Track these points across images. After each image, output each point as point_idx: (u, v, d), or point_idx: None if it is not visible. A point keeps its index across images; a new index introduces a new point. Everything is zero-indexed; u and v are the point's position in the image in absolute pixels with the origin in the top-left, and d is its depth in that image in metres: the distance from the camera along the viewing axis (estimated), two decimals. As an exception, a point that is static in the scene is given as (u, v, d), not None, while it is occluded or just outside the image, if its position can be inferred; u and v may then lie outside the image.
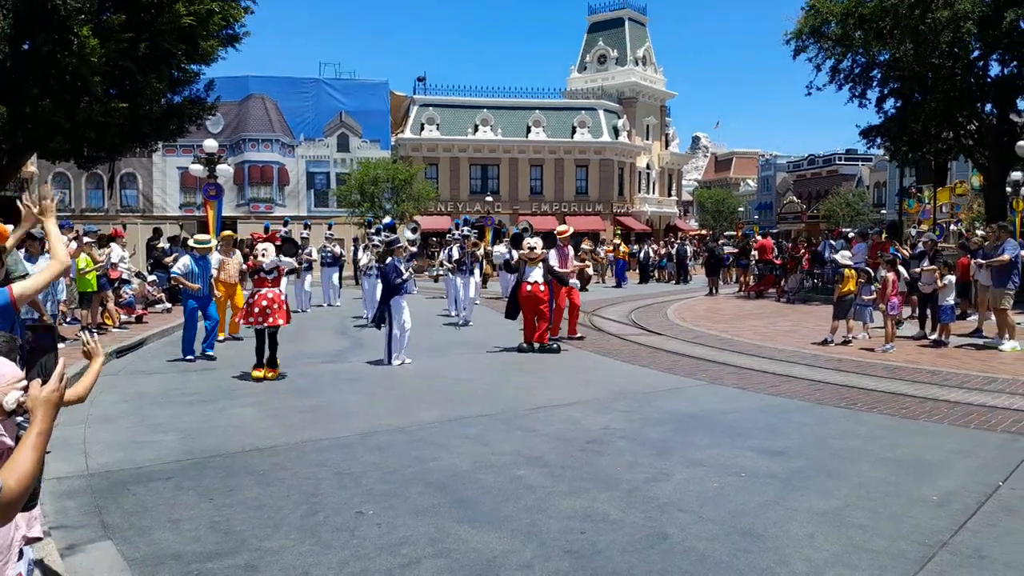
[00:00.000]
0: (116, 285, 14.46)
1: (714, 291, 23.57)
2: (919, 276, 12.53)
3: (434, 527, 4.51)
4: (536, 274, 11.81)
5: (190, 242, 11.48)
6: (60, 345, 9.66)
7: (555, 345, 11.78)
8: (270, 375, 9.40)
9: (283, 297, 9.79)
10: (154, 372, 10.14)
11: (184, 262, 11.11)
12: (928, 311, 12.57)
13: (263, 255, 9.70)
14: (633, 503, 4.92)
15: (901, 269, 12.60)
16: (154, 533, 4.43)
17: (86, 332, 2.74)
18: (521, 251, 12.15)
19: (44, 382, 1.96)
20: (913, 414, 7.40)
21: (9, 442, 2.00)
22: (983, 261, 11.78)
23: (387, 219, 16.17)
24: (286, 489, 5.21)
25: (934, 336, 12.12)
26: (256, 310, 9.48)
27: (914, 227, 32.17)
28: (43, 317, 7.61)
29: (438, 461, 5.85)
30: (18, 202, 3.60)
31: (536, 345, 11.65)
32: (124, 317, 14.36)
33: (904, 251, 14.95)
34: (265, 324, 9.42)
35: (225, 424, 7.15)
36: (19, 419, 1.97)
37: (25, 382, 2.01)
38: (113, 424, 7.03)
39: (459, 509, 4.81)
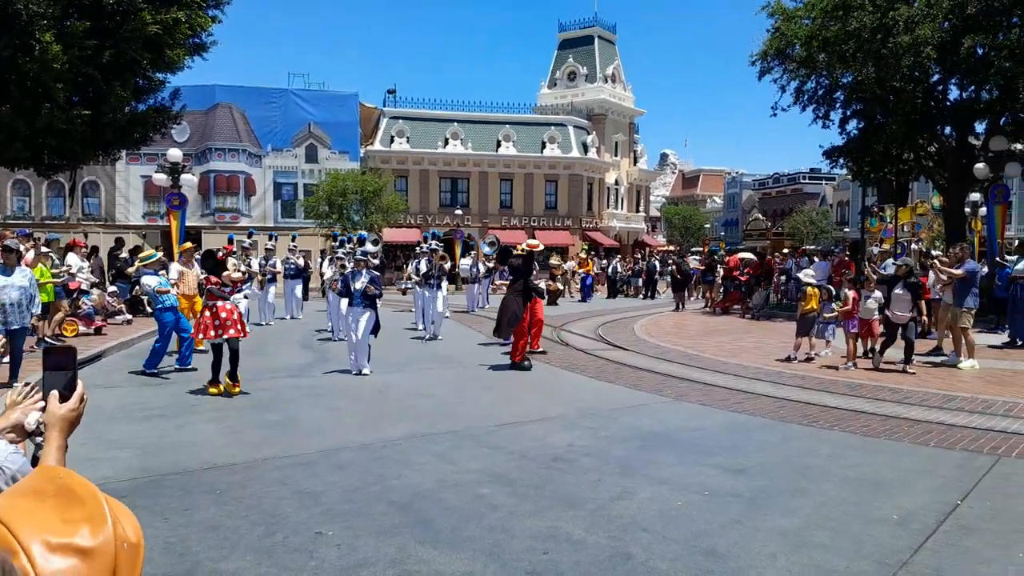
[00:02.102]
0: (75, 296, 14.16)
1: (681, 307, 23.75)
2: (889, 302, 11.39)
3: (395, 548, 4.43)
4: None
5: (136, 263, 11.23)
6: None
7: (527, 363, 11.76)
8: (235, 390, 9.25)
9: (240, 310, 9.70)
10: (112, 386, 9.90)
11: (153, 280, 10.86)
12: (899, 338, 11.23)
13: (235, 271, 9.70)
14: (597, 523, 4.89)
15: (878, 293, 11.56)
16: (105, 555, 4.29)
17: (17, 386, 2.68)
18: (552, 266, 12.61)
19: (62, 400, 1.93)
20: (874, 432, 7.49)
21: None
22: (944, 273, 11.83)
23: (363, 232, 16.12)
24: (244, 508, 5.10)
25: (903, 366, 11.03)
26: (217, 323, 9.35)
27: (876, 245, 32.74)
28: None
29: (402, 479, 5.78)
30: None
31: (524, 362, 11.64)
32: (82, 328, 14.05)
33: (871, 273, 13.72)
34: (225, 336, 9.27)
35: (184, 440, 7.00)
36: (38, 439, 1.94)
37: (43, 403, 1.98)
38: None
39: (421, 529, 4.75)
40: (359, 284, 10.83)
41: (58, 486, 1.29)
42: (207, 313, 9.42)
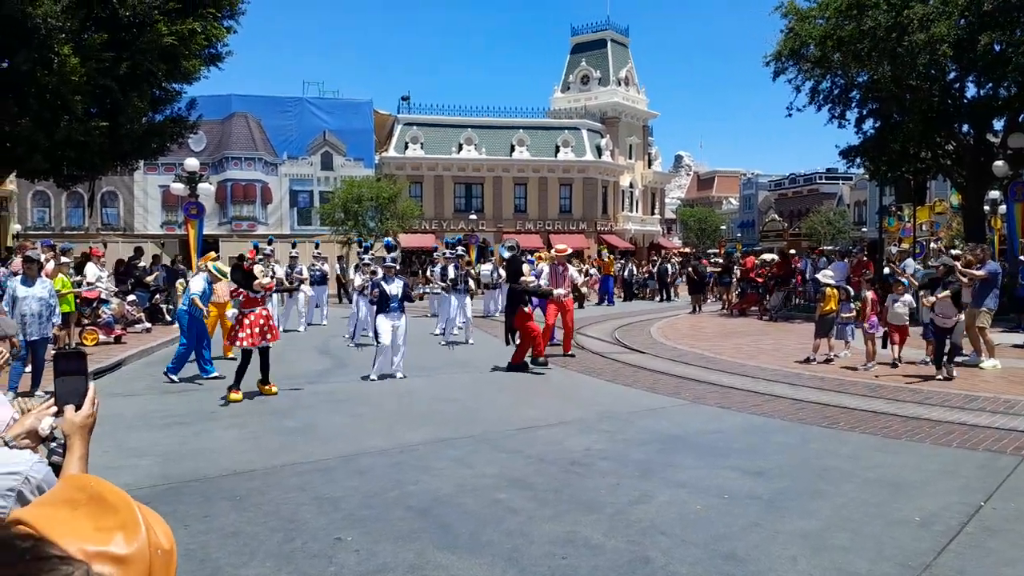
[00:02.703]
0: (94, 305, 14.31)
1: (698, 309, 23.60)
2: (932, 308, 10.67)
3: (414, 553, 4.44)
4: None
5: (209, 266, 11.34)
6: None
7: (541, 361, 11.88)
8: (272, 391, 9.59)
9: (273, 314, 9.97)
10: (132, 394, 9.99)
11: (201, 285, 11.02)
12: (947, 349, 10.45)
13: (264, 276, 10.01)
14: (616, 527, 4.88)
15: (908, 297, 11.45)
16: (127, 561, 4.32)
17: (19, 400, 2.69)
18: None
19: (77, 407, 1.95)
20: (895, 433, 7.42)
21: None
22: (967, 276, 11.54)
23: (388, 238, 16.19)
24: (263, 515, 5.12)
25: (943, 375, 10.32)
26: (256, 330, 9.51)
27: (895, 245, 32.48)
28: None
29: (420, 484, 5.79)
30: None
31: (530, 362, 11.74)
32: (102, 337, 14.19)
33: (906, 277, 12.53)
34: (265, 342, 9.54)
35: (203, 447, 7.05)
36: (52, 444, 1.97)
37: (55, 408, 2.01)
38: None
39: (440, 534, 4.75)
40: (395, 289, 11.03)
41: (90, 494, 1.30)
42: (246, 321, 9.53)
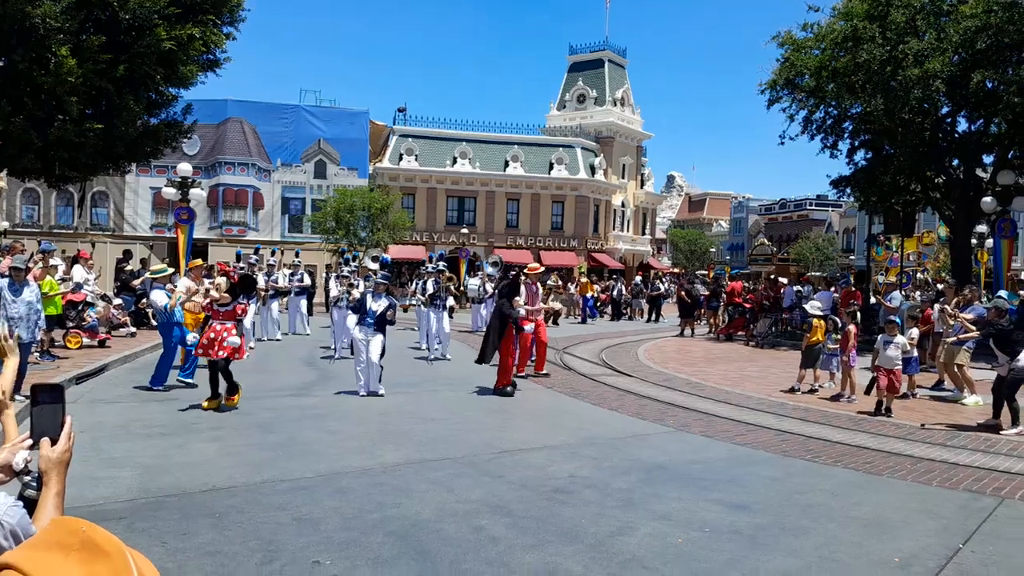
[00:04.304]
0: (80, 308, 14.21)
1: (690, 332, 23.46)
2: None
3: (393, 580, 4.41)
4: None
5: (146, 275, 11.29)
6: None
7: (510, 388, 11.48)
8: (231, 402, 9.46)
9: (234, 332, 9.61)
10: (114, 401, 9.91)
11: (163, 297, 10.88)
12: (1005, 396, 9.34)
13: (215, 289, 9.75)
14: (596, 558, 4.86)
15: (901, 339, 10.50)
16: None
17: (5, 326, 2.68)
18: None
19: (53, 441, 1.94)
20: (877, 469, 7.44)
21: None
22: (959, 321, 11.31)
23: (385, 255, 16.11)
24: (243, 534, 5.08)
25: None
26: (205, 341, 9.51)
27: (881, 274, 32.68)
28: None
29: (400, 508, 5.75)
30: None
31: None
32: (86, 341, 14.08)
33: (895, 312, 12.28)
34: (212, 356, 9.40)
35: (184, 461, 6.99)
36: (26, 478, 1.94)
37: (30, 441, 1.98)
38: (68, 457, 6.82)
39: (420, 561, 4.72)
40: (377, 306, 10.80)
41: (82, 539, 1.29)
42: (210, 333, 9.47)
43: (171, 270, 11.44)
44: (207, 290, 10.35)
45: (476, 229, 45.64)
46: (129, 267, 19.32)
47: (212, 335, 9.43)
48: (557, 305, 27.03)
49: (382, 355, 10.82)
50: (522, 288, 12.60)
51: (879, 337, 10.93)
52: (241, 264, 15.58)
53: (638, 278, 36.38)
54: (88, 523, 1.33)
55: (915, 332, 11.88)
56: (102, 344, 14.41)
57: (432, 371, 13.84)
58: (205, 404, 9.40)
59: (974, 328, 10.71)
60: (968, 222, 21.59)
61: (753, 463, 7.64)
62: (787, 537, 5.40)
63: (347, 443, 7.95)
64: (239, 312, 9.79)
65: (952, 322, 11.30)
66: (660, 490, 6.49)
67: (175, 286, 11.85)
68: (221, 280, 9.96)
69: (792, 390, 12.06)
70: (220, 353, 9.34)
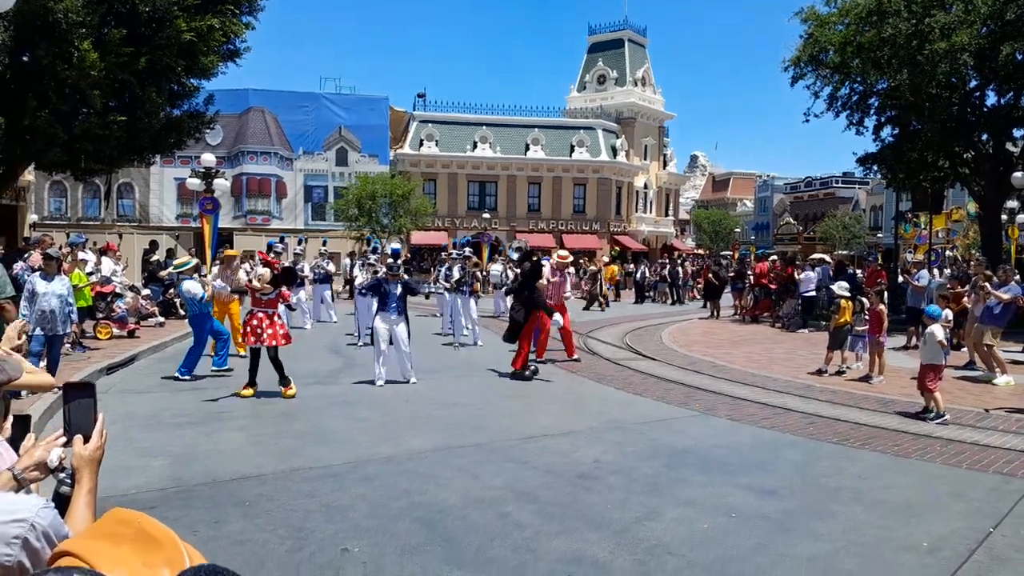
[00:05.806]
0: (109, 299, 14.41)
1: (716, 314, 23.28)
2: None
3: (420, 567, 4.45)
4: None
5: (170, 269, 11.39)
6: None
7: (527, 372, 11.49)
8: (287, 393, 9.55)
9: (278, 319, 9.83)
10: (144, 391, 10.06)
11: (196, 287, 10.97)
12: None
13: (258, 280, 9.87)
14: (622, 544, 4.87)
15: (935, 328, 8.85)
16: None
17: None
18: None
19: (86, 438, 2.00)
20: (906, 452, 7.37)
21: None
22: (994, 297, 11.19)
23: (396, 245, 16.12)
24: (272, 522, 5.15)
25: None
26: (247, 329, 9.66)
27: (909, 251, 32.26)
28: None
29: (427, 495, 5.80)
30: None
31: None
32: (116, 331, 14.29)
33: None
34: (261, 344, 9.55)
35: (213, 449, 7.09)
36: (61, 475, 2.00)
37: (64, 438, 2.04)
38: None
39: (446, 548, 4.76)
40: (395, 290, 10.81)
41: (136, 530, 1.36)
42: (253, 321, 9.60)
43: (195, 261, 11.54)
44: (249, 280, 10.51)
45: (498, 214, 45.60)
46: (155, 257, 19.55)
47: (255, 323, 9.57)
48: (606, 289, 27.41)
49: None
50: (546, 272, 12.64)
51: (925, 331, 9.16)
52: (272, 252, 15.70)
53: (683, 266, 34.61)
54: (142, 514, 1.39)
55: (948, 313, 11.69)
56: (131, 334, 14.62)
57: (456, 357, 13.89)
58: (243, 392, 9.53)
59: (1006, 296, 10.66)
60: (998, 197, 21.19)
61: (779, 447, 7.59)
62: (814, 521, 5.37)
63: (372, 430, 8.01)
64: (284, 299, 10.02)
65: (987, 300, 11.15)
66: (686, 475, 6.48)
67: (205, 276, 11.99)
68: (265, 271, 10.10)
69: (820, 372, 11.95)
70: (273, 341, 9.52)
